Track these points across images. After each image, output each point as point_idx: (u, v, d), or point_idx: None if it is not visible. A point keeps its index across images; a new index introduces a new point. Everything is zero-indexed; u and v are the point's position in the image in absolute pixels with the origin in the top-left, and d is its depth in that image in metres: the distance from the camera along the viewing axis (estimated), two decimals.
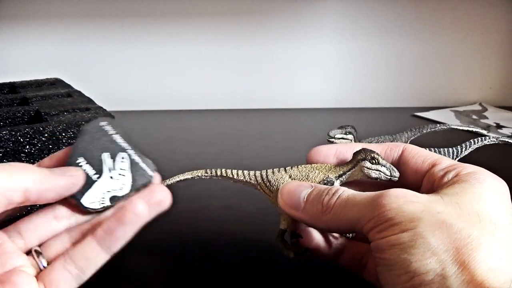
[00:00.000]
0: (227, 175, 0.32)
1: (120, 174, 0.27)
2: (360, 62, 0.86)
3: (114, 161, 0.27)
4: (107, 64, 0.83)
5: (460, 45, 0.87)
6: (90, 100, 0.49)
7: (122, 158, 0.27)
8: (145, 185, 0.27)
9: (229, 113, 0.83)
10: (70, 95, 0.52)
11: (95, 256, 0.25)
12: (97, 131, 0.27)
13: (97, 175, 0.26)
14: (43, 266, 0.25)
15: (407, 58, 0.87)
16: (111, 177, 0.26)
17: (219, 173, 0.32)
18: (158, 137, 0.69)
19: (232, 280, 0.34)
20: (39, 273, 0.25)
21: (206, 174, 0.32)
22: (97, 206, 0.26)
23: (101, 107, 0.47)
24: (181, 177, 0.32)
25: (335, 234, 0.31)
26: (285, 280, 0.34)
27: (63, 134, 0.41)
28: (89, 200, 0.26)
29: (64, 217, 0.26)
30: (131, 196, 0.26)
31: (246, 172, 0.31)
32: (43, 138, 0.40)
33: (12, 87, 0.55)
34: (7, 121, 0.45)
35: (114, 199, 0.26)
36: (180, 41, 0.83)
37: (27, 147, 0.40)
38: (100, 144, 0.27)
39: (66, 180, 0.25)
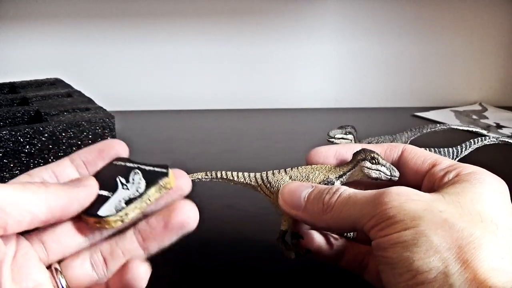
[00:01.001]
0: (227, 177, 0.32)
1: (133, 183, 0.27)
2: (360, 62, 0.86)
3: (127, 178, 0.27)
4: (107, 64, 0.83)
5: (460, 45, 0.87)
6: (90, 100, 0.49)
7: (135, 172, 0.27)
8: (161, 178, 0.27)
9: (229, 113, 0.83)
10: (70, 95, 0.52)
11: (133, 253, 0.25)
12: (110, 166, 0.28)
13: (112, 193, 0.26)
14: (62, 287, 0.24)
15: (407, 58, 0.87)
16: (125, 187, 0.27)
17: (219, 175, 0.32)
18: (158, 137, 0.69)
19: (232, 280, 0.34)
20: None
21: (206, 177, 0.32)
22: (113, 212, 0.25)
23: (101, 107, 0.47)
24: None
25: (336, 236, 0.31)
26: (286, 280, 0.34)
27: (63, 134, 0.41)
28: (106, 210, 0.25)
29: (87, 230, 0.26)
30: (151, 198, 0.26)
31: (246, 174, 0.31)
32: (43, 138, 0.40)
33: (12, 87, 0.55)
34: (7, 121, 0.45)
35: (130, 201, 0.26)
36: (180, 41, 0.83)
37: (27, 147, 0.40)
38: (112, 173, 0.28)
39: (84, 190, 0.25)
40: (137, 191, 0.26)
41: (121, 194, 0.26)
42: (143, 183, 0.27)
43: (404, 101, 0.89)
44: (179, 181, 0.27)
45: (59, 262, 0.25)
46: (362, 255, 0.30)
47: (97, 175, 0.27)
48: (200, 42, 0.83)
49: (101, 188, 0.26)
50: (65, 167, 0.27)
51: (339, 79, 0.87)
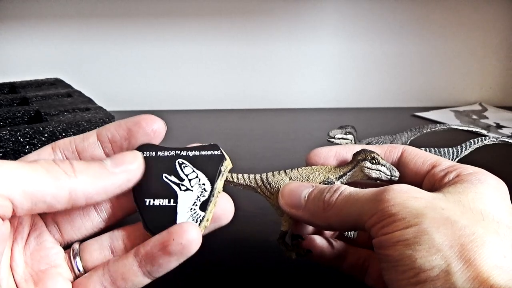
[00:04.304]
0: (227, 179, 0.31)
1: (191, 179, 0.23)
2: (360, 62, 0.86)
3: (176, 174, 0.23)
4: (107, 64, 0.83)
5: (460, 45, 0.87)
6: (90, 100, 0.49)
7: (181, 164, 0.24)
8: (221, 164, 0.23)
9: (229, 113, 0.83)
10: (70, 95, 0.52)
11: (134, 279, 0.22)
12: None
13: (173, 200, 0.23)
14: (78, 270, 0.24)
15: (407, 58, 0.87)
16: (186, 189, 0.23)
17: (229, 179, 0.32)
18: None
19: (232, 280, 0.34)
20: (75, 281, 0.23)
21: None
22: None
23: (101, 107, 0.47)
24: None
25: (337, 239, 0.31)
26: (286, 280, 0.34)
27: (63, 134, 0.41)
28: None
29: (102, 212, 0.24)
30: (220, 190, 0.23)
31: (246, 175, 0.31)
32: (43, 138, 0.40)
33: (12, 87, 0.55)
34: (7, 121, 0.45)
35: (204, 206, 0.22)
36: (180, 41, 0.83)
37: (27, 147, 0.40)
38: (152, 171, 0.24)
39: (120, 177, 0.22)
40: (204, 189, 0.22)
41: (187, 199, 0.22)
42: (202, 176, 0.23)
43: (404, 101, 0.89)
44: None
45: (81, 242, 0.25)
46: (362, 259, 0.30)
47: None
48: (200, 42, 0.83)
49: (146, 196, 0.23)
50: (90, 143, 0.24)
51: (339, 79, 0.87)
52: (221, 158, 0.23)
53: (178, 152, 0.24)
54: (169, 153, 0.24)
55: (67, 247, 0.25)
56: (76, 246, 0.24)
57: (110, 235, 0.25)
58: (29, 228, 0.23)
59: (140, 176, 0.23)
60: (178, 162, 0.24)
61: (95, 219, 0.25)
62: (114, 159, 0.22)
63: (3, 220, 0.19)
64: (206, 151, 0.24)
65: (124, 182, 0.22)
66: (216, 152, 0.24)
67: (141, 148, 0.24)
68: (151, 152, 0.24)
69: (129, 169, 0.22)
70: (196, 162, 0.24)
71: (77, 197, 0.21)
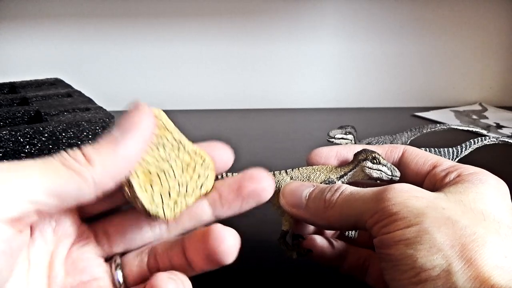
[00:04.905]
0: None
1: None
2: (360, 62, 0.86)
3: None
4: (107, 64, 0.83)
5: (460, 45, 0.87)
6: (90, 100, 0.49)
7: None
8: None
9: (229, 113, 0.83)
10: (70, 95, 0.52)
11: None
12: None
13: None
14: (118, 283, 0.24)
15: (407, 58, 0.87)
16: None
17: (219, 177, 0.32)
18: None
19: (232, 280, 0.34)
20: None
21: None
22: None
23: (101, 107, 0.47)
24: None
25: (337, 240, 0.31)
26: (286, 280, 0.34)
27: (63, 134, 0.41)
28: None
29: (155, 226, 0.24)
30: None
31: None
32: (43, 138, 0.40)
33: (12, 87, 0.55)
34: (7, 121, 0.45)
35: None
36: (180, 41, 0.83)
37: (27, 147, 0.40)
38: None
39: (135, 144, 0.22)
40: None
41: None
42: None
43: (404, 101, 0.89)
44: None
45: (122, 254, 0.24)
46: (363, 258, 0.30)
47: None
48: (200, 42, 0.83)
49: None
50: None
51: (339, 79, 0.87)
52: None
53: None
54: None
55: (107, 258, 0.24)
56: (118, 259, 0.24)
57: (149, 249, 0.25)
58: (73, 237, 0.23)
59: (153, 129, 0.22)
60: None
61: (146, 234, 0.24)
62: (121, 128, 0.21)
63: (20, 232, 0.19)
64: None
65: (142, 146, 0.22)
66: None
67: None
68: None
69: (140, 134, 0.22)
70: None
71: (102, 182, 0.21)
